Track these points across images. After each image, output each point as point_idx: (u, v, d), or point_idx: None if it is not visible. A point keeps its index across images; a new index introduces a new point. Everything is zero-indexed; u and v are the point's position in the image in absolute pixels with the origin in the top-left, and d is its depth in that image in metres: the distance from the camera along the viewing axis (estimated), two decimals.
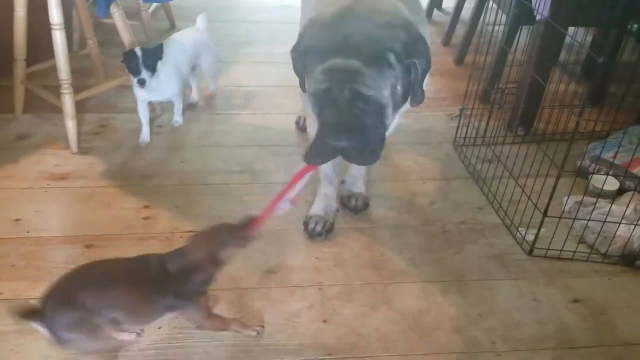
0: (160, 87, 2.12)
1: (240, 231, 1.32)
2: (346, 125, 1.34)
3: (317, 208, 1.85)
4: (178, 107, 2.29)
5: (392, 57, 1.32)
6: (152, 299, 1.27)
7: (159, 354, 1.44)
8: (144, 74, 2.04)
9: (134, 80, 2.06)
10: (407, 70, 1.35)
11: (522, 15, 2.30)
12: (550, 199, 1.72)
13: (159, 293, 1.27)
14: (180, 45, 2.25)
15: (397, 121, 1.72)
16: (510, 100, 2.36)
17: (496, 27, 2.11)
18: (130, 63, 2.03)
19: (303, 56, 1.39)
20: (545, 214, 1.74)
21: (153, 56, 2.05)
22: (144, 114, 2.20)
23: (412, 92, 1.40)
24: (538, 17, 2.11)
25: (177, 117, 2.31)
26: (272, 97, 2.58)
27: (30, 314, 1.22)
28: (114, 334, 1.28)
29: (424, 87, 1.65)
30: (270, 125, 2.38)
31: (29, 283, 1.59)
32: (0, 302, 1.53)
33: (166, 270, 1.28)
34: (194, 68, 2.36)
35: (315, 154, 1.40)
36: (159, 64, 2.07)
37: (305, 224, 1.84)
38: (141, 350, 1.44)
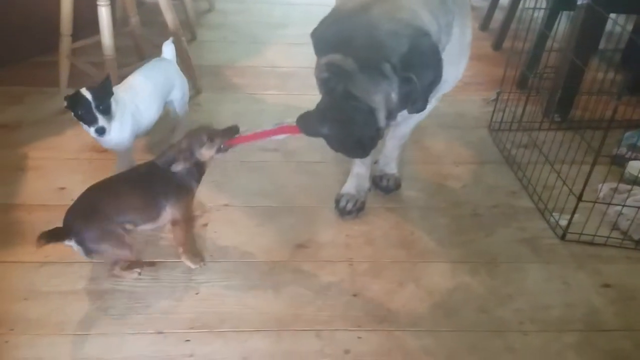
0: (109, 133, 1.72)
1: (219, 137, 1.51)
2: (332, 116, 1.40)
3: (349, 187, 1.88)
4: (122, 158, 1.89)
5: (387, 68, 1.32)
6: (152, 195, 1.50)
7: (195, 318, 1.50)
8: (102, 121, 1.67)
9: (90, 130, 1.69)
10: (405, 80, 1.34)
11: (563, 0, 2.27)
12: (586, 184, 1.70)
13: (156, 188, 1.51)
14: (145, 86, 1.88)
15: (432, 105, 1.74)
16: (548, 85, 2.34)
17: (535, 12, 2.09)
18: (80, 109, 1.66)
19: (316, 42, 1.44)
20: (580, 199, 1.73)
21: (104, 95, 1.69)
22: None
23: (412, 101, 1.40)
24: (579, 2, 2.08)
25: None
26: (306, 78, 2.59)
27: (60, 235, 1.42)
28: (131, 238, 1.50)
29: (460, 74, 1.66)
30: (304, 105, 2.35)
31: None
32: (46, 265, 1.61)
33: (157, 169, 1.51)
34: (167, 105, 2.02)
35: (305, 125, 1.45)
36: (113, 105, 1.71)
37: (337, 201, 1.87)
38: (179, 314, 1.50)
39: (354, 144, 1.44)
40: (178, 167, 1.49)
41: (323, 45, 1.40)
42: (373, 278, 1.65)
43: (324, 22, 1.42)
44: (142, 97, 1.85)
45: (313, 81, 2.53)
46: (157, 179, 1.51)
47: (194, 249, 1.65)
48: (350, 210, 1.85)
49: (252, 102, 2.43)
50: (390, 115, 1.42)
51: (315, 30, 1.43)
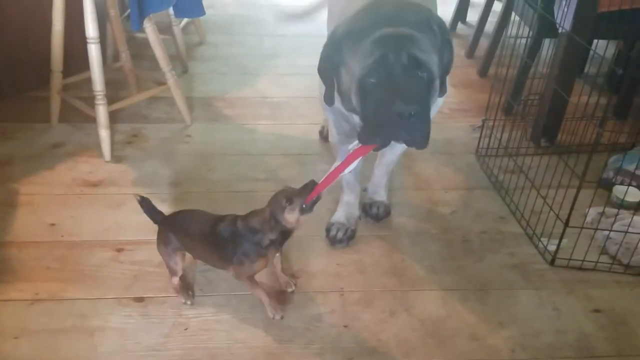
0: None
1: (298, 197, 1.42)
2: (410, 91, 1.29)
3: (339, 215, 1.89)
4: None
5: (435, 27, 1.36)
6: (221, 249, 1.51)
7: (185, 354, 1.49)
8: None
9: None
10: (444, 46, 1.38)
11: (545, 28, 2.32)
12: (572, 209, 1.72)
13: (227, 245, 1.50)
14: None
15: None
16: (533, 112, 2.37)
17: (519, 40, 2.14)
18: None
19: (339, 45, 1.36)
20: (567, 224, 1.74)
21: None
22: None
23: (441, 81, 1.40)
24: (560, 31, 2.13)
25: None
26: (297, 108, 2.65)
27: (154, 216, 1.61)
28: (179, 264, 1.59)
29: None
30: (295, 134, 2.44)
31: (63, 284, 1.66)
32: (36, 302, 1.60)
33: (236, 229, 1.49)
34: None
35: (374, 132, 1.35)
36: None
37: (327, 230, 1.88)
38: (168, 350, 1.49)
39: (427, 123, 1.35)
40: (265, 241, 1.46)
41: (356, 36, 1.32)
42: (364, 308, 1.64)
43: (340, 26, 1.38)
44: None
45: (303, 110, 2.61)
46: (232, 238, 1.49)
47: (273, 301, 1.60)
48: (340, 239, 1.86)
49: (243, 132, 2.45)
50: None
51: (330, 38, 1.38)
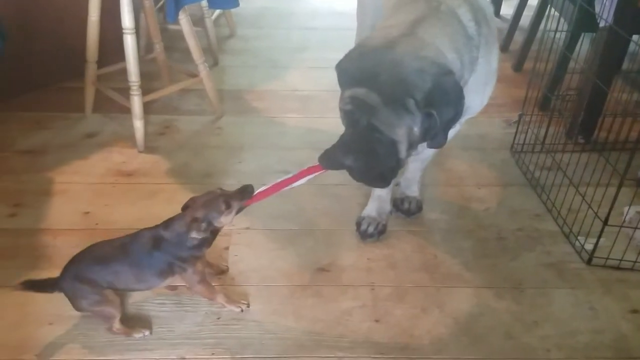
0: None
1: (236, 201, 1.43)
2: (356, 148, 1.40)
3: (371, 209, 1.88)
4: None
5: (411, 103, 1.33)
6: (146, 267, 1.43)
7: (217, 343, 1.49)
8: None
9: None
10: (427, 116, 1.36)
11: (584, 22, 2.26)
12: (612, 207, 1.68)
13: (152, 262, 1.43)
14: None
15: (456, 129, 1.73)
16: (571, 107, 2.32)
17: (557, 34, 2.09)
18: None
19: (340, 75, 1.45)
20: (605, 223, 1.70)
21: None
22: None
23: (432, 136, 1.41)
24: (602, 24, 2.07)
25: None
26: (326, 101, 2.63)
27: (50, 286, 1.45)
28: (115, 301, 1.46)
29: (486, 100, 1.66)
30: (324, 128, 2.42)
31: None
32: None
33: (161, 239, 1.42)
34: None
35: (328, 160, 1.46)
36: None
37: (358, 224, 1.86)
38: (201, 339, 1.50)
39: (376, 175, 1.45)
40: (194, 241, 1.40)
41: (347, 78, 1.41)
42: (396, 303, 1.63)
43: (349, 56, 1.43)
44: None
45: (332, 104, 2.55)
46: (161, 251, 1.42)
47: (229, 296, 1.58)
48: (371, 233, 1.84)
49: (273, 125, 2.45)
50: (411, 147, 1.43)
51: (340, 63, 1.44)
